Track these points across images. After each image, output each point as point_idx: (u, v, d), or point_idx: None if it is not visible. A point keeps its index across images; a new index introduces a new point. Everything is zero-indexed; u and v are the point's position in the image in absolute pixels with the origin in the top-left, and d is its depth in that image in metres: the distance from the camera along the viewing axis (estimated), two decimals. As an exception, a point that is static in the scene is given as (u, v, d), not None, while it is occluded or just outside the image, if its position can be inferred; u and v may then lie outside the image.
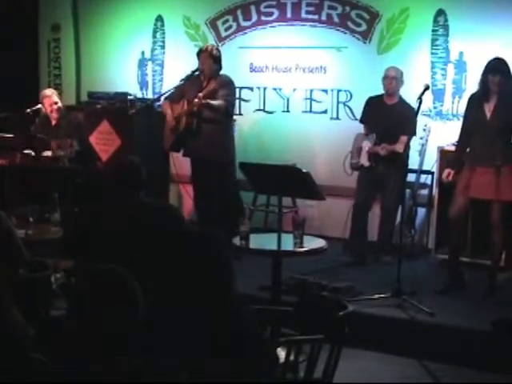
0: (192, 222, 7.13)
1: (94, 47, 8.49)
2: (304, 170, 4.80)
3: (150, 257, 3.03)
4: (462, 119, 5.83)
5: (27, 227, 5.11)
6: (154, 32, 8.15)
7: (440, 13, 6.81)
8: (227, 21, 7.73)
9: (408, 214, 6.47)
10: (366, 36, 7.15)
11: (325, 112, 7.41)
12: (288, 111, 7.58)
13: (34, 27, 8.70)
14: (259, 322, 2.74)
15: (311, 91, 7.45)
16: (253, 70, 7.69)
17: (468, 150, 5.55)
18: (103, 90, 7.97)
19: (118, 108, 7.44)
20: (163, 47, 8.15)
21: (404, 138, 6.02)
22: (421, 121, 6.11)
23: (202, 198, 6.75)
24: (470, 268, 5.87)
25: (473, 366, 4.74)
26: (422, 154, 6.47)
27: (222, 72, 6.60)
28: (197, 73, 6.59)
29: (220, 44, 7.59)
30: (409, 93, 6.30)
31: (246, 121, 7.71)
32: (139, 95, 7.98)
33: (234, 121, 7.08)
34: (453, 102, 6.84)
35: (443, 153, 6.29)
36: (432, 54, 6.89)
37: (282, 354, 3.47)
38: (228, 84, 6.53)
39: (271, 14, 7.53)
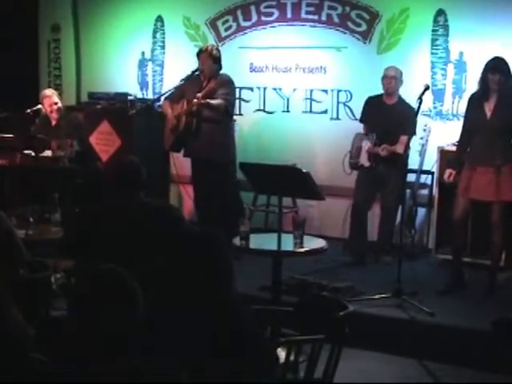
0: (192, 223, 7.12)
1: (94, 47, 8.49)
2: (304, 170, 4.80)
3: (150, 257, 3.04)
4: (462, 119, 5.84)
5: (27, 227, 5.11)
6: (154, 32, 8.15)
7: (440, 13, 6.81)
8: (227, 21, 7.73)
9: (408, 214, 6.47)
10: (366, 36, 7.15)
11: (325, 112, 7.41)
12: (288, 111, 7.58)
13: (34, 27, 8.70)
14: (259, 322, 2.74)
15: (311, 91, 7.45)
16: (253, 70, 7.69)
17: (468, 149, 5.55)
18: (103, 90, 7.97)
19: (118, 108, 7.44)
20: (163, 47, 8.15)
21: (404, 138, 6.02)
22: (421, 121, 6.11)
23: (203, 198, 6.75)
24: (470, 268, 5.87)
25: (473, 366, 4.74)
26: (422, 154, 6.47)
27: (222, 72, 6.60)
28: (197, 73, 6.59)
29: (220, 44, 7.59)
30: (409, 93, 6.30)
31: (246, 121, 7.71)
32: (139, 95, 7.98)
33: (234, 121, 7.08)
34: (453, 102, 6.84)
35: (443, 153, 6.29)
36: (432, 54, 6.89)
37: (282, 354, 3.47)
38: (227, 83, 6.53)
39: (271, 14, 7.53)
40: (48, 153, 7.05)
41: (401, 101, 6.36)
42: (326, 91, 7.39)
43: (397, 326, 5.12)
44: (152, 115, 7.26)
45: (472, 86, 6.10)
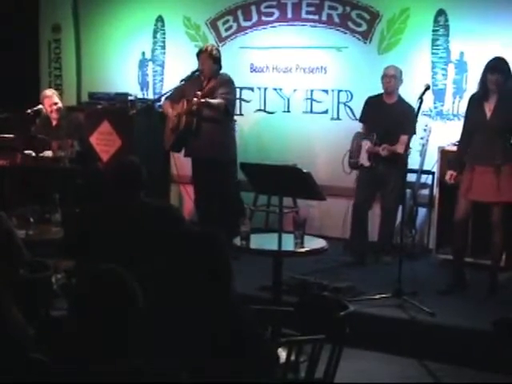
0: (193, 223, 7.12)
1: (95, 48, 8.49)
2: (305, 171, 4.80)
3: (150, 257, 3.04)
4: (462, 119, 5.84)
5: (28, 227, 5.12)
6: (155, 32, 8.15)
7: (440, 13, 6.81)
8: (227, 21, 7.73)
9: (409, 214, 6.47)
10: (366, 36, 7.15)
11: (325, 112, 7.40)
12: (288, 111, 7.58)
13: (35, 27, 8.70)
14: (260, 322, 2.74)
15: (312, 91, 7.45)
16: (253, 70, 7.68)
17: (469, 149, 5.55)
18: (104, 90, 7.97)
19: (119, 108, 7.44)
20: (164, 48, 8.15)
21: (404, 138, 6.01)
22: (421, 121, 6.11)
23: (203, 198, 6.75)
24: (470, 268, 5.86)
25: (474, 366, 4.73)
26: (422, 154, 6.47)
27: (222, 71, 6.60)
28: (197, 73, 6.60)
29: (220, 44, 7.59)
30: (409, 93, 6.30)
31: (247, 121, 7.70)
32: (140, 96, 7.98)
33: (235, 121, 7.08)
34: (453, 102, 6.84)
35: (444, 153, 6.29)
36: (432, 54, 6.89)
37: (282, 354, 3.47)
38: (227, 82, 6.54)
39: (272, 14, 7.52)
40: (48, 153, 7.06)
41: (401, 100, 6.36)
42: (326, 91, 7.39)
43: (397, 326, 5.12)
44: (152, 115, 7.26)
45: (472, 86, 6.10)
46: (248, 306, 2.85)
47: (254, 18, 7.61)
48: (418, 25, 6.92)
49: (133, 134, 7.30)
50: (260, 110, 7.70)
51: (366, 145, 6.36)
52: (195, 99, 6.32)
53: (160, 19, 8.09)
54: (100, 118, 7.47)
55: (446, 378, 4.69)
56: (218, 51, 6.63)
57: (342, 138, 6.80)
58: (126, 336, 2.10)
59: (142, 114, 7.10)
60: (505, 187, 5.36)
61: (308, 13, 7.39)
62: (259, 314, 3.52)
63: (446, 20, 6.80)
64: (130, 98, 7.52)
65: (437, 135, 6.58)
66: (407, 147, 5.76)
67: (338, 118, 7.31)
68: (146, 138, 7.27)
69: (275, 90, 7.60)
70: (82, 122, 7.51)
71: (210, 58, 6.47)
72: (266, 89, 7.64)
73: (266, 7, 7.54)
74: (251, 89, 7.68)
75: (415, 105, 5.50)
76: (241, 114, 7.63)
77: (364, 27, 7.16)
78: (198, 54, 6.58)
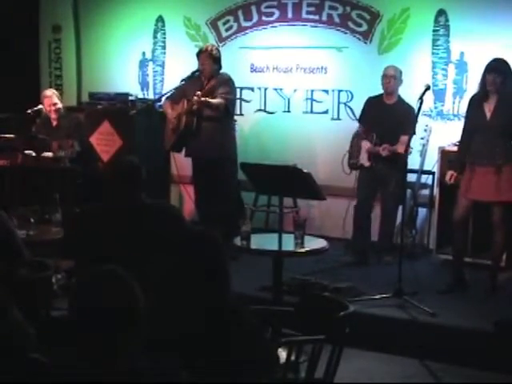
0: (193, 223, 7.12)
1: (95, 48, 8.49)
2: (305, 171, 4.80)
3: (150, 257, 3.03)
4: (462, 119, 5.84)
5: (28, 228, 5.12)
6: (155, 32, 8.15)
7: (441, 13, 6.81)
8: (228, 21, 7.73)
9: (409, 215, 6.47)
10: (366, 36, 7.15)
11: (326, 112, 7.40)
12: (289, 111, 7.58)
13: (35, 28, 8.70)
14: (260, 323, 2.74)
15: (312, 91, 7.44)
16: (253, 70, 7.68)
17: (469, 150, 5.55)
18: (104, 90, 7.97)
19: (119, 108, 7.44)
20: (164, 48, 8.15)
21: (404, 138, 5.99)
22: (422, 121, 6.10)
23: (203, 198, 6.74)
24: (471, 268, 5.86)
25: (474, 366, 4.73)
26: (422, 154, 6.46)
27: (222, 71, 6.60)
28: (197, 73, 6.60)
29: (221, 44, 7.59)
30: (410, 93, 6.30)
31: (247, 121, 7.71)
32: (140, 96, 7.98)
33: (235, 121, 7.08)
34: (454, 103, 6.84)
35: (444, 153, 6.29)
36: (433, 54, 6.89)
37: (283, 354, 3.47)
38: (227, 82, 6.54)
39: (272, 14, 7.52)
40: (49, 153, 7.06)
41: (400, 100, 6.36)
42: (326, 91, 7.39)
43: (398, 326, 5.12)
44: (153, 115, 7.26)
45: (473, 86, 6.10)
46: (248, 306, 2.85)
47: (255, 17, 7.61)
48: (418, 25, 6.92)
49: (133, 134, 7.30)
50: (260, 110, 7.70)
51: (366, 145, 6.36)
52: (195, 98, 6.33)
53: (160, 19, 8.09)
54: (100, 118, 7.47)
55: (446, 378, 4.69)
56: (218, 51, 6.63)
57: (343, 138, 6.80)
58: (126, 336, 2.10)
59: (143, 114, 7.11)
60: (505, 187, 5.35)
61: (308, 13, 7.39)
62: (259, 314, 3.52)
63: (447, 20, 6.80)
64: (130, 98, 7.53)
65: (437, 135, 6.58)
66: (408, 147, 5.76)
67: (339, 118, 7.31)
68: (147, 138, 7.28)
69: (275, 90, 7.60)
70: (82, 122, 7.51)
71: (210, 58, 6.48)
72: (266, 89, 7.64)
73: (267, 7, 7.54)
74: (251, 89, 7.68)
75: (415, 105, 5.50)
76: (241, 114, 7.64)
77: (364, 27, 7.16)
78: (198, 54, 6.59)
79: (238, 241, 4.74)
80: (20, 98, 7.71)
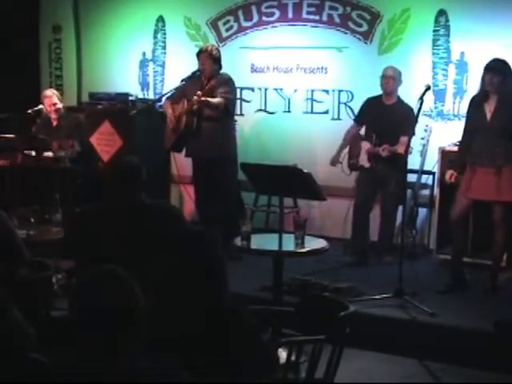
0: (193, 223, 7.12)
1: (95, 48, 8.49)
2: (305, 171, 4.80)
3: (150, 257, 3.03)
4: (463, 120, 5.85)
5: (28, 228, 5.12)
6: (155, 33, 8.15)
7: (441, 13, 6.81)
8: (228, 21, 7.73)
9: (409, 215, 6.47)
10: (367, 36, 7.15)
11: (326, 112, 7.40)
12: (289, 111, 7.58)
13: (35, 28, 8.70)
14: (260, 323, 2.74)
15: (312, 91, 7.45)
16: (254, 70, 7.68)
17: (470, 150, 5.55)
18: (104, 90, 7.97)
19: (119, 109, 7.44)
20: (164, 48, 8.15)
21: (404, 139, 5.98)
22: (422, 121, 6.10)
23: (204, 198, 6.74)
24: (471, 268, 5.87)
25: (474, 366, 4.73)
26: (423, 154, 6.46)
27: (222, 71, 6.61)
28: (198, 73, 6.60)
29: (221, 44, 7.59)
30: (410, 93, 6.30)
31: (247, 121, 7.71)
32: (140, 96, 7.98)
33: (235, 121, 7.08)
34: (454, 103, 6.84)
35: (444, 153, 6.29)
36: (433, 54, 6.89)
37: (283, 354, 3.47)
38: (227, 82, 6.54)
39: (272, 14, 7.52)
40: (49, 153, 7.07)
41: (400, 101, 6.36)
42: (327, 91, 7.39)
43: (398, 326, 5.12)
44: (153, 115, 7.27)
45: (473, 86, 6.10)
46: (247, 306, 2.85)
47: (255, 18, 7.61)
48: (418, 25, 6.92)
49: (133, 134, 7.30)
50: (260, 110, 7.70)
51: (366, 146, 6.36)
52: (195, 98, 6.33)
53: (161, 19, 8.09)
54: (101, 118, 7.47)
55: (446, 378, 4.69)
56: (218, 51, 6.63)
57: (343, 138, 6.80)
58: (126, 336, 2.10)
59: (143, 114, 7.11)
60: (505, 187, 5.35)
61: (309, 13, 7.39)
62: (260, 315, 3.52)
63: (447, 20, 6.80)
64: (130, 98, 7.53)
65: (437, 135, 6.58)
66: (408, 148, 5.76)
67: (339, 118, 7.31)
68: (147, 138, 7.28)
69: (276, 90, 7.60)
70: (82, 122, 7.52)
71: (210, 58, 6.48)
72: (266, 89, 7.64)
73: (267, 7, 7.54)
74: (252, 89, 7.68)
75: (416, 105, 5.49)
76: (241, 114, 7.64)
77: (365, 27, 7.16)
78: (198, 55, 6.59)
79: (238, 241, 4.74)
80: (20, 98, 7.72)
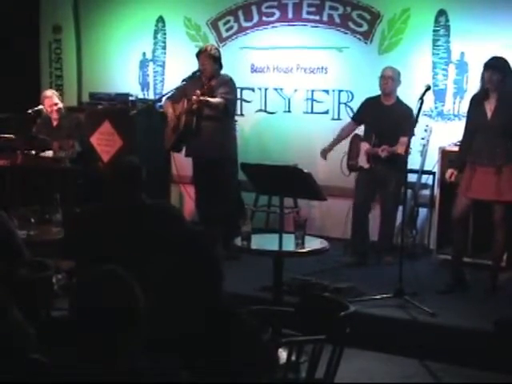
0: (193, 223, 7.12)
1: (96, 48, 8.49)
2: (305, 171, 4.80)
3: (150, 257, 3.03)
4: (463, 119, 5.85)
5: (29, 228, 5.11)
6: (155, 33, 8.15)
7: (441, 13, 6.81)
8: (228, 21, 7.73)
9: (409, 215, 6.47)
10: (367, 36, 7.15)
11: (326, 112, 7.40)
12: (289, 112, 7.58)
13: (36, 28, 8.70)
14: (260, 323, 2.74)
15: (312, 92, 7.45)
16: (254, 70, 7.68)
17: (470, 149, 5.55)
18: (104, 90, 7.96)
19: (120, 109, 7.44)
20: (164, 48, 8.15)
21: (404, 140, 5.96)
22: (422, 121, 6.10)
23: (204, 198, 6.74)
24: (471, 268, 5.87)
25: (474, 366, 4.73)
26: (423, 154, 6.47)
27: (222, 72, 6.61)
28: (198, 73, 6.60)
29: (221, 44, 7.59)
30: (410, 93, 6.30)
31: (247, 121, 7.71)
32: (140, 96, 7.98)
33: (235, 121, 7.08)
34: (454, 103, 6.84)
35: (445, 153, 6.29)
36: (433, 54, 6.88)
37: (283, 354, 3.47)
38: (228, 83, 6.54)
39: (272, 14, 7.52)
40: (49, 153, 7.07)
41: (399, 102, 6.36)
42: (327, 91, 7.39)
43: (398, 326, 5.12)
44: (153, 115, 7.26)
45: (473, 86, 6.10)
46: (247, 306, 2.85)
47: (255, 18, 7.61)
48: (418, 25, 6.92)
49: (134, 135, 7.30)
50: (261, 110, 7.70)
51: (365, 146, 6.36)
52: (194, 97, 6.33)
53: (161, 19, 8.10)
54: (101, 119, 7.47)
55: (446, 378, 4.69)
56: (218, 50, 6.63)
57: (337, 134, 6.78)
58: (126, 336, 2.10)
59: (143, 114, 7.11)
60: (505, 187, 5.35)
61: (309, 13, 7.39)
62: (260, 315, 3.52)
63: (447, 20, 6.80)
64: (130, 98, 7.52)
65: (437, 135, 6.58)
66: (408, 148, 5.75)
67: (339, 119, 7.30)
68: (147, 138, 7.28)
69: (276, 90, 7.60)
70: (82, 122, 7.52)
71: (209, 58, 6.48)
72: (266, 89, 7.64)
73: (267, 7, 7.54)
74: (252, 89, 7.68)
75: (416, 105, 5.49)
76: (241, 115, 7.63)
77: (365, 27, 7.16)
78: (198, 55, 6.58)
79: (238, 241, 4.74)
80: (20, 98, 7.72)
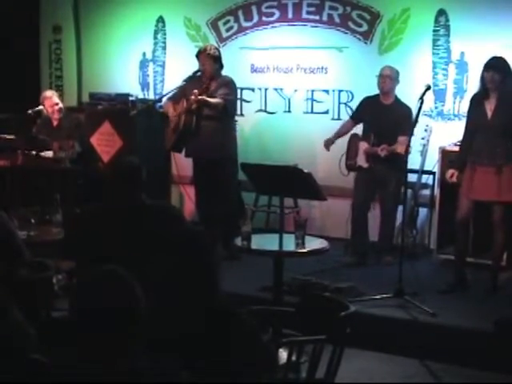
0: (194, 223, 7.12)
1: (96, 48, 8.49)
2: (305, 171, 4.80)
3: (149, 257, 3.03)
4: (463, 119, 5.85)
5: (29, 228, 5.12)
6: (155, 33, 8.15)
7: (441, 13, 6.81)
8: (228, 21, 7.73)
9: (410, 215, 6.47)
10: (367, 36, 7.15)
11: (326, 112, 7.41)
12: (289, 112, 7.58)
13: (36, 28, 8.70)
14: (261, 323, 2.74)
15: (312, 92, 7.45)
16: (254, 70, 7.68)
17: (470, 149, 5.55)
18: (104, 90, 7.96)
19: (120, 109, 7.43)
20: (164, 48, 8.15)
21: (403, 139, 5.96)
22: (422, 121, 6.10)
23: (204, 198, 6.74)
24: (471, 268, 5.86)
25: (475, 366, 4.73)
26: (423, 154, 6.46)
27: (223, 73, 6.60)
28: (198, 73, 6.60)
29: (221, 45, 7.59)
30: (410, 93, 6.30)
31: (248, 121, 7.71)
32: (140, 96, 7.98)
33: (236, 121, 7.08)
34: (454, 103, 6.84)
35: (445, 153, 6.28)
36: (433, 54, 6.88)
37: (283, 354, 3.47)
38: (228, 84, 6.54)
39: (272, 14, 7.52)
40: (49, 154, 7.07)
41: (398, 101, 6.36)
42: (327, 91, 7.39)
43: (398, 326, 5.12)
44: (153, 116, 7.26)
45: (473, 86, 6.10)
46: (247, 306, 2.85)
47: (255, 18, 7.61)
48: (418, 25, 6.92)
49: (134, 135, 7.30)
50: (261, 110, 7.70)
51: (364, 146, 6.36)
52: (192, 97, 6.34)
53: (161, 20, 8.10)
54: (101, 119, 7.47)
55: (446, 378, 4.69)
56: (218, 50, 6.63)
57: (343, 139, 6.79)
58: (126, 336, 2.10)
59: (143, 114, 7.11)
60: (506, 187, 5.35)
61: (309, 13, 7.39)
62: (260, 315, 3.52)
63: (447, 20, 6.80)
64: (130, 98, 7.51)
65: (438, 135, 6.58)
66: (408, 148, 5.75)
67: (339, 118, 7.30)
68: (147, 138, 7.28)
69: (276, 90, 7.61)
70: (82, 122, 7.52)
71: (209, 58, 6.47)
72: (266, 89, 7.64)
73: (267, 7, 7.54)
74: (252, 89, 7.68)
75: (416, 105, 5.49)
76: (241, 115, 7.63)
77: (365, 27, 7.16)
78: (198, 55, 6.58)
79: (238, 241, 4.74)
80: (20, 98, 7.72)
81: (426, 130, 6.48)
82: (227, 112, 6.51)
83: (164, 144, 6.93)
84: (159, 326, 2.43)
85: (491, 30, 6.50)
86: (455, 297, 5.52)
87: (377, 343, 5.04)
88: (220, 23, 7.77)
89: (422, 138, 6.45)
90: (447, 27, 6.80)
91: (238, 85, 6.77)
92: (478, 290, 5.58)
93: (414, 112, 5.56)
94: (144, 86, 8.27)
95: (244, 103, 7.69)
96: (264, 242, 4.89)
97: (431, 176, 6.66)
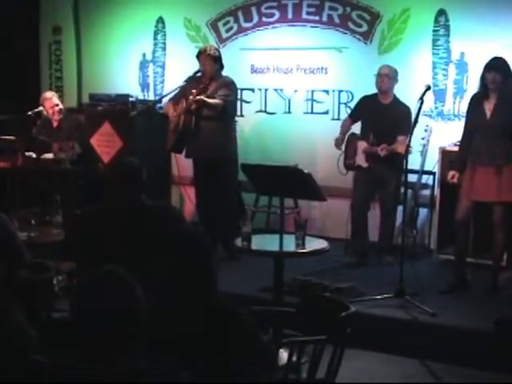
0: (194, 224, 7.12)
1: (96, 49, 8.50)
2: (305, 171, 4.80)
3: (150, 258, 3.04)
4: (463, 119, 5.84)
5: (29, 229, 5.12)
6: (155, 34, 8.15)
7: (441, 13, 6.81)
8: (228, 22, 7.73)
9: (410, 215, 6.47)
10: (366, 36, 7.15)
11: (326, 113, 7.41)
12: (289, 112, 7.58)
13: (35, 29, 8.70)
14: (261, 323, 2.74)
15: (312, 92, 7.45)
16: (254, 71, 7.69)
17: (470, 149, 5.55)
18: (104, 91, 7.96)
19: (120, 110, 7.44)
20: (164, 49, 8.16)
21: (402, 138, 5.95)
22: (422, 121, 6.09)
23: (204, 199, 6.74)
24: (471, 268, 5.86)
25: (475, 366, 4.73)
26: (423, 154, 6.46)
27: (223, 73, 6.60)
28: (198, 74, 6.60)
29: (221, 45, 7.60)
30: (410, 93, 6.30)
31: (248, 122, 7.71)
32: (140, 97, 7.98)
33: (236, 122, 7.08)
34: (454, 103, 6.84)
35: (445, 153, 6.29)
36: (433, 54, 6.89)
37: (284, 354, 3.47)
38: (228, 85, 6.53)
39: (272, 14, 7.53)
40: (49, 155, 7.07)
41: (396, 100, 6.35)
42: (327, 92, 7.39)
43: (399, 326, 5.12)
44: (153, 116, 7.27)
45: (473, 86, 6.11)
46: (247, 306, 2.85)
47: (255, 18, 7.61)
48: (418, 25, 6.92)
49: (134, 136, 7.30)
50: (261, 110, 7.70)
51: (362, 145, 6.35)
52: (191, 97, 6.34)
53: (161, 20, 8.10)
54: (101, 120, 7.47)
55: (446, 378, 4.69)
56: (218, 50, 6.62)
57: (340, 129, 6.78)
58: (127, 337, 2.10)
59: (143, 115, 7.11)
60: (506, 187, 5.35)
61: (308, 13, 7.39)
62: (260, 315, 3.52)
63: (447, 20, 6.80)
64: (130, 99, 7.51)
65: (438, 135, 6.58)
66: (408, 147, 5.75)
67: (339, 119, 7.29)
68: (147, 139, 7.28)
69: (276, 90, 7.61)
70: (82, 123, 7.52)
71: (209, 58, 6.47)
72: (266, 90, 7.65)
73: (267, 8, 7.55)
74: (252, 90, 7.69)
75: (416, 105, 5.49)
76: (242, 115, 7.64)
77: (364, 28, 7.16)
78: (198, 56, 6.58)
79: (238, 242, 4.74)
80: (20, 99, 7.72)
81: (425, 130, 6.48)
82: (227, 113, 6.51)
83: (164, 145, 6.92)
84: (159, 326, 2.44)
85: (491, 30, 6.51)
86: (455, 297, 5.52)
87: (377, 343, 5.04)
88: (220, 24, 7.77)
89: (422, 138, 6.45)
90: (447, 27, 6.80)
91: (238, 85, 6.76)
92: (478, 290, 5.58)
93: (414, 112, 5.55)
94: (144, 86, 8.27)
95: (244, 104, 7.69)
96: (264, 242, 4.89)
97: (431, 176, 6.66)
